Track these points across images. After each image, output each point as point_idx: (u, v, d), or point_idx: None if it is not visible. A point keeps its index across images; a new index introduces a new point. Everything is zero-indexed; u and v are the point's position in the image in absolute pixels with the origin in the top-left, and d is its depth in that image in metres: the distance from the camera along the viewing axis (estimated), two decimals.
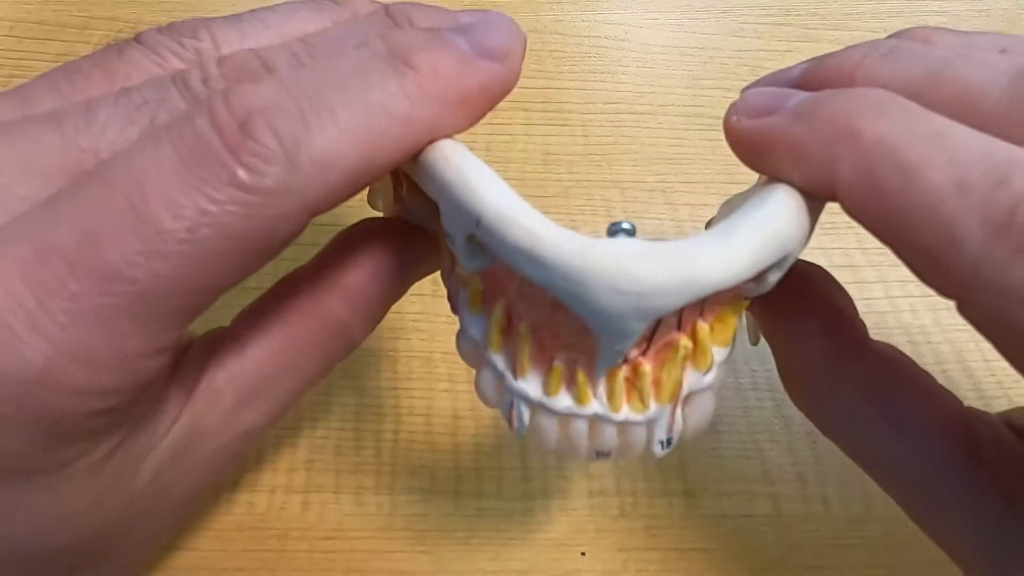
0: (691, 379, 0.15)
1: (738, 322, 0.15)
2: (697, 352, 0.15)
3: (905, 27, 0.17)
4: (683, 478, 0.23)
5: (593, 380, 0.15)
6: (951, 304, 0.13)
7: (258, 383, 0.16)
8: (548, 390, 0.15)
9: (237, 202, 0.13)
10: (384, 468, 0.23)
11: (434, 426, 0.24)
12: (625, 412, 0.15)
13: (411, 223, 0.18)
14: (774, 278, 0.14)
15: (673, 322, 0.15)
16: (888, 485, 0.17)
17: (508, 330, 0.15)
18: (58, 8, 0.34)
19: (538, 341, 0.15)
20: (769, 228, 0.14)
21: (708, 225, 0.21)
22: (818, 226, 0.15)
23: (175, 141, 0.13)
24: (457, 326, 0.16)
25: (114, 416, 0.14)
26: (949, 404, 0.16)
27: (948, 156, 0.13)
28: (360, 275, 0.17)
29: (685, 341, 0.14)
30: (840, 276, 0.18)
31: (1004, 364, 0.13)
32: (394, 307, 0.18)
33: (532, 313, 0.15)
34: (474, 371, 0.17)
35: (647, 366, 0.14)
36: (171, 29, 0.16)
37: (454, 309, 0.16)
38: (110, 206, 0.12)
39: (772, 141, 0.15)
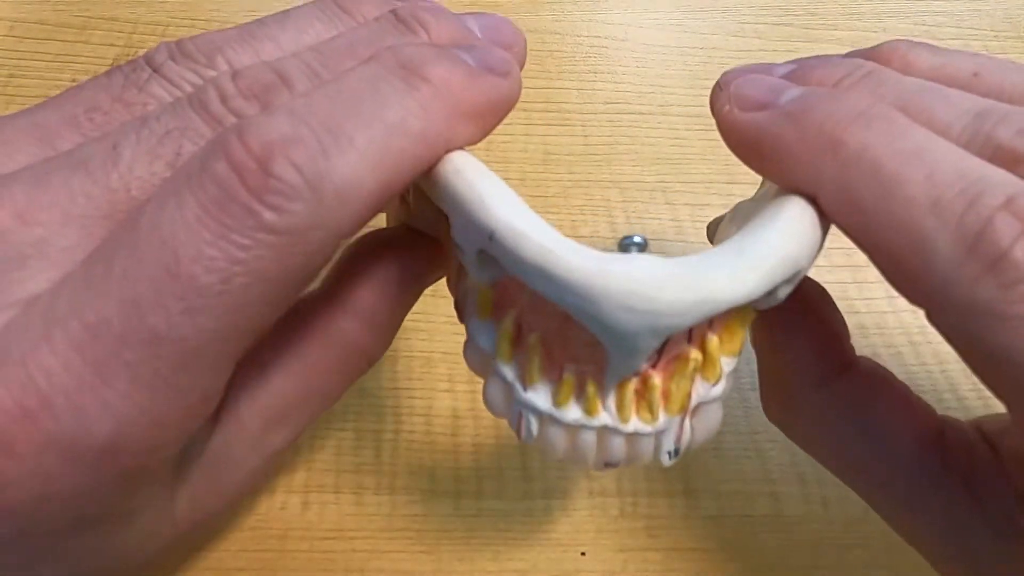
0: (700, 390, 0.15)
1: (746, 333, 0.15)
2: (706, 364, 0.15)
3: (904, 28, 0.17)
4: (683, 478, 0.23)
5: (603, 392, 0.15)
6: None
7: (282, 409, 0.16)
8: (557, 401, 0.15)
9: (267, 245, 0.12)
10: (384, 468, 0.23)
11: (434, 426, 0.24)
12: (634, 423, 0.15)
13: (416, 231, 0.18)
14: (784, 292, 0.14)
15: (683, 335, 0.15)
16: (864, 492, 0.17)
17: (517, 340, 0.15)
18: (58, 8, 0.34)
19: (548, 352, 0.15)
20: (781, 246, 0.14)
21: (709, 226, 0.21)
22: None
23: (196, 193, 0.12)
24: (458, 326, 0.16)
25: (176, 457, 0.14)
26: (924, 413, 0.17)
27: (926, 173, 0.13)
28: (372, 295, 0.17)
29: (695, 353, 0.15)
30: (840, 276, 0.18)
31: None
32: None
33: (543, 324, 0.15)
34: (475, 372, 0.17)
35: (657, 378, 0.14)
36: (187, 58, 0.15)
37: (461, 318, 0.16)
38: (146, 273, 0.12)
39: (762, 139, 0.15)
